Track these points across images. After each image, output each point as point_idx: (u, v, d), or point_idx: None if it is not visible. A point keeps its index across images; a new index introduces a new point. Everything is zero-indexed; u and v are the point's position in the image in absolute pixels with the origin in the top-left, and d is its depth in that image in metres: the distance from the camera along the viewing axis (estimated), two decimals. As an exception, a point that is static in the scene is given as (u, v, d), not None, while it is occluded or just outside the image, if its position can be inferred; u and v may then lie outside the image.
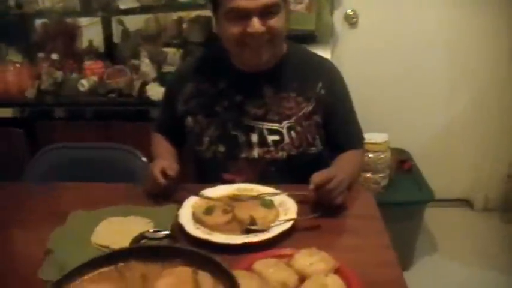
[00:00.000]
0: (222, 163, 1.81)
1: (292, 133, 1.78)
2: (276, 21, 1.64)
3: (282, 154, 1.77)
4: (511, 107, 3.40)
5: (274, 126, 1.78)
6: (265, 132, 1.78)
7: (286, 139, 1.77)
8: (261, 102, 1.78)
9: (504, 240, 3.20)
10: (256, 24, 1.61)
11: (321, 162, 1.80)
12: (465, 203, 3.68)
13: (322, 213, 1.48)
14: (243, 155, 1.79)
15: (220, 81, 1.82)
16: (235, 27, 1.64)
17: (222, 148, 1.80)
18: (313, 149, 1.81)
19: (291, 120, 1.78)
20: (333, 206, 1.53)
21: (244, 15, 1.62)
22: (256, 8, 1.60)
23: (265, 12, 1.62)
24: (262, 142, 1.78)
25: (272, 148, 1.77)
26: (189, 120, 1.84)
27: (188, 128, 1.85)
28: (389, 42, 3.34)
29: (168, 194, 1.64)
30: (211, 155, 1.81)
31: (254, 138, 1.78)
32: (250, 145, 1.78)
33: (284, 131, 1.77)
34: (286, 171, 1.79)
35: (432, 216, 3.23)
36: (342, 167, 1.68)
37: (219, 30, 1.74)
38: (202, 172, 1.92)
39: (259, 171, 1.79)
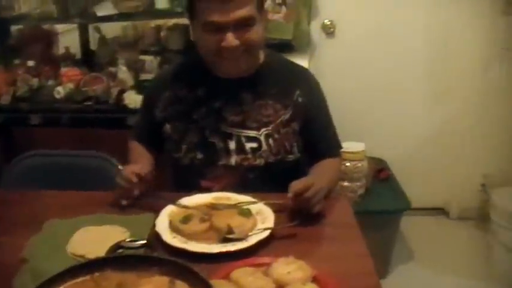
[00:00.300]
0: (199, 170, 1.81)
1: (270, 140, 1.78)
2: (251, 34, 1.66)
3: (259, 161, 1.78)
4: (486, 118, 3.45)
5: (252, 133, 1.78)
6: (243, 139, 1.78)
7: (264, 146, 1.78)
8: (239, 109, 1.79)
9: (479, 249, 3.23)
10: (230, 38, 1.63)
11: (298, 169, 1.82)
12: (441, 211, 3.72)
13: (300, 221, 1.48)
14: (221, 162, 1.79)
15: (198, 87, 1.82)
16: (211, 40, 1.66)
17: (199, 155, 1.80)
18: (290, 157, 1.82)
19: (268, 128, 1.78)
20: (311, 214, 1.53)
21: (219, 28, 1.63)
22: (231, 22, 1.62)
23: (240, 25, 1.63)
24: (240, 149, 1.78)
25: (250, 155, 1.78)
26: (167, 127, 1.84)
27: (166, 135, 1.84)
28: (367, 52, 3.37)
29: (140, 200, 1.63)
30: (188, 162, 1.81)
31: (232, 145, 1.78)
32: (228, 152, 1.78)
33: (262, 138, 1.78)
34: (265, 179, 1.79)
35: (408, 224, 3.25)
36: (320, 175, 1.69)
37: (196, 39, 1.74)
38: (179, 179, 1.91)
39: (237, 179, 1.79)
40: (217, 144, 1.79)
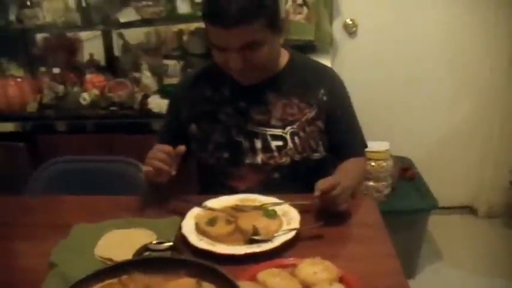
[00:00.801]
0: (225, 170, 1.82)
1: (296, 138, 1.78)
2: (257, 55, 1.65)
3: (285, 160, 1.78)
4: (512, 114, 3.40)
5: (278, 131, 1.79)
6: (269, 138, 1.79)
7: (290, 144, 1.78)
8: (264, 109, 1.80)
9: (508, 247, 3.19)
10: (233, 62, 1.64)
11: (323, 168, 1.81)
12: (469, 210, 3.68)
13: (326, 222, 1.47)
14: (247, 161, 1.79)
15: (224, 89, 1.84)
16: (219, 56, 1.68)
17: (226, 154, 1.81)
18: (316, 155, 1.82)
19: (294, 126, 1.79)
20: (337, 214, 1.53)
21: (225, 48, 1.64)
22: (235, 47, 1.61)
23: (245, 48, 1.63)
24: (266, 148, 1.78)
25: (276, 154, 1.78)
26: (193, 127, 1.85)
27: (192, 135, 1.86)
28: (389, 50, 3.35)
29: (166, 203, 1.64)
30: (215, 162, 1.82)
31: (258, 144, 1.79)
32: (254, 151, 1.79)
33: (287, 136, 1.78)
34: (290, 178, 1.79)
35: (435, 223, 3.22)
36: (346, 174, 1.69)
37: (210, 48, 1.75)
38: (205, 180, 1.92)
39: (262, 178, 1.79)
40: (243, 143, 1.79)
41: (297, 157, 1.79)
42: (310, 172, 1.78)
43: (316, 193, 1.48)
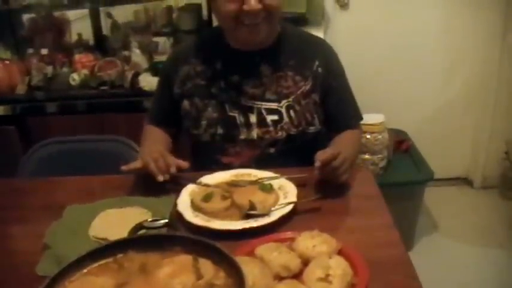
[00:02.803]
0: (220, 146, 1.79)
1: (291, 112, 1.76)
2: (272, 1, 1.63)
3: (281, 134, 1.76)
4: (507, 84, 3.38)
5: (273, 105, 1.76)
6: (264, 112, 1.76)
7: (285, 118, 1.76)
8: (258, 82, 1.77)
9: (504, 217, 3.21)
10: (252, 2, 1.60)
11: (319, 142, 1.78)
12: (464, 181, 3.68)
13: (323, 195, 1.46)
14: (242, 136, 1.77)
15: (216, 62, 1.80)
16: (232, 4, 1.63)
17: (220, 130, 1.78)
18: (312, 128, 1.79)
19: (289, 99, 1.76)
20: (334, 186, 1.52)
21: None
22: None
23: None
24: (262, 122, 1.76)
25: (271, 128, 1.76)
26: (186, 103, 1.82)
27: (184, 112, 1.82)
28: (382, 23, 3.31)
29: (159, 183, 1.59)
30: (209, 138, 1.79)
31: (253, 118, 1.76)
32: (249, 126, 1.76)
33: (283, 110, 1.76)
34: (285, 153, 1.77)
35: (432, 195, 3.22)
36: (344, 145, 1.67)
37: (215, 7, 1.71)
38: (199, 157, 1.89)
39: (258, 153, 1.77)
40: (237, 118, 1.77)
41: (293, 131, 1.76)
42: (306, 146, 1.77)
43: (317, 164, 1.45)
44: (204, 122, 1.79)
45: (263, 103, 1.76)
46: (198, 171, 1.80)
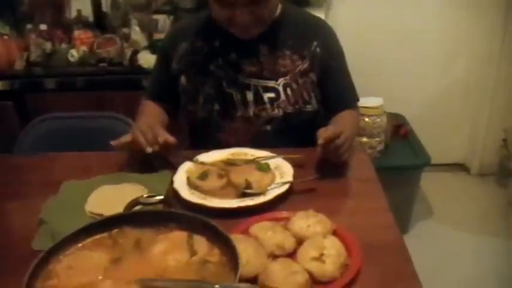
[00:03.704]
0: (216, 122, 1.79)
1: (288, 90, 1.76)
2: (263, 10, 1.64)
3: (278, 112, 1.76)
4: (507, 72, 3.37)
5: (270, 83, 1.76)
6: (261, 89, 1.76)
7: (282, 96, 1.75)
8: (255, 60, 1.76)
9: (500, 205, 3.22)
10: (240, 17, 1.61)
11: (316, 122, 1.79)
12: (461, 167, 3.69)
13: (319, 176, 1.46)
14: (239, 113, 1.77)
15: (214, 39, 1.80)
16: (223, 12, 1.64)
17: (216, 107, 1.78)
18: (308, 107, 1.79)
19: (286, 78, 1.76)
20: (331, 167, 1.52)
21: (230, 3, 1.60)
22: (243, 1, 1.59)
23: (254, 2, 1.60)
24: (258, 100, 1.76)
25: (268, 106, 1.75)
26: (183, 79, 1.82)
27: (182, 88, 1.82)
28: (383, 6, 3.29)
29: (157, 160, 1.60)
30: (205, 114, 1.79)
31: (250, 96, 1.76)
32: (245, 103, 1.76)
33: (280, 88, 1.76)
34: (282, 131, 1.77)
35: (428, 181, 3.22)
36: (345, 123, 1.67)
37: (209, 3, 1.71)
38: (196, 133, 1.90)
39: (254, 131, 1.77)
40: (234, 95, 1.77)
41: (290, 109, 1.76)
42: (302, 125, 1.78)
43: (320, 141, 1.44)
44: (201, 98, 1.79)
45: (260, 81, 1.76)
46: (195, 148, 1.81)
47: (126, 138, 1.59)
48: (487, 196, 3.38)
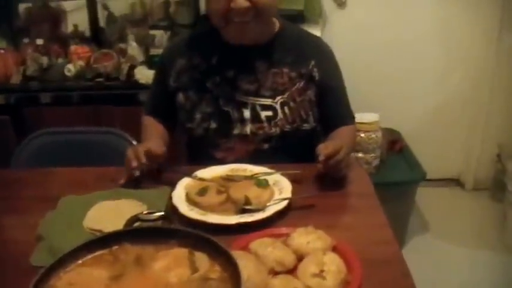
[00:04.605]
0: (213, 140, 1.79)
1: (286, 109, 1.76)
2: None
3: (275, 130, 1.75)
4: (501, 87, 3.39)
5: (267, 101, 1.76)
6: (258, 107, 1.76)
7: (280, 115, 1.76)
8: (253, 78, 1.76)
9: (494, 219, 3.21)
10: (239, 0, 1.60)
11: (313, 140, 1.80)
12: (456, 182, 3.69)
13: (318, 192, 1.47)
14: (236, 131, 1.76)
15: (212, 56, 1.80)
16: (220, 3, 1.63)
17: (213, 125, 1.77)
18: (306, 126, 1.79)
19: (284, 96, 1.76)
20: (329, 183, 1.53)
21: None
22: None
23: None
24: (255, 118, 1.76)
25: (265, 124, 1.75)
26: (180, 96, 1.81)
27: (179, 105, 1.82)
28: (378, 22, 3.32)
29: (153, 176, 1.60)
30: (202, 132, 1.79)
31: (247, 113, 1.76)
32: (243, 121, 1.76)
33: (277, 106, 1.76)
34: (279, 149, 1.77)
35: (423, 196, 3.22)
36: (343, 140, 1.67)
37: (207, 4, 1.72)
38: (193, 151, 1.90)
39: (251, 149, 1.77)
40: (231, 113, 1.77)
41: (287, 127, 1.76)
42: (300, 143, 1.78)
43: (321, 158, 1.46)
44: (198, 116, 1.78)
45: (258, 99, 1.76)
46: (193, 165, 1.80)
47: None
48: (482, 211, 3.38)
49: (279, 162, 1.66)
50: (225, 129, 1.77)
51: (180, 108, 1.82)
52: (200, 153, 1.83)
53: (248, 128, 1.76)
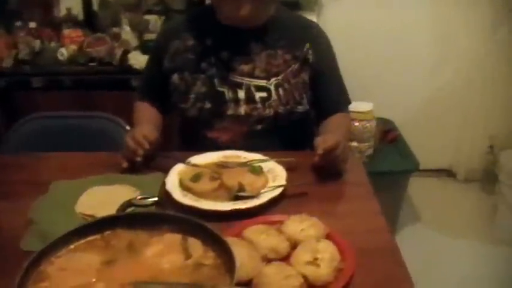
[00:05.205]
0: (207, 121, 1.79)
1: (280, 90, 1.76)
2: None
3: (269, 111, 1.75)
4: (494, 79, 3.39)
5: (262, 82, 1.76)
6: (253, 88, 1.76)
7: (274, 96, 1.75)
8: (248, 59, 1.77)
9: (485, 211, 3.23)
10: None
11: (306, 123, 1.82)
12: (448, 173, 3.70)
13: (312, 179, 1.46)
14: (230, 112, 1.76)
15: (207, 37, 1.80)
16: None
17: (208, 105, 1.77)
18: (300, 108, 1.79)
19: (278, 78, 1.76)
20: (324, 171, 1.52)
21: None
22: None
23: None
24: (250, 99, 1.76)
25: (259, 105, 1.75)
26: (175, 77, 1.81)
27: (173, 86, 1.81)
28: (373, 12, 3.30)
29: (146, 162, 1.59)
30: (196, 113, 1.78)
31: (241, 94, 1.76)
32: (237, 102, 1.76)
33: (272, 87, 1.76)
34: (273, 130, 1.77)
35: (415, 186, 3.23)
36: (340, 131, 1.67)
37: None
38: (186, 132, 1.90)
39: (245, 130, 1.77)
40: (226, 93, 1.76)
41: (281, 109, 1.76)
42: (293, 126, 1.79)
43: (319, 151, 1.46)
44: (192, 96, 1.78)
45: (252, 80, 1.76)
46: (185, 146, 1.84)
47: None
48: (473, 202, 3.40)
49: (271, 145, 1.69)
50: (219, 110, 1.77)
51: (174, 90, 1.82)
52: (193, 134, 1.83)
53: (242, 109, 1.76)
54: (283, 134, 1.78)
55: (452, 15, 3.32)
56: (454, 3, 3.29)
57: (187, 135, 1.89)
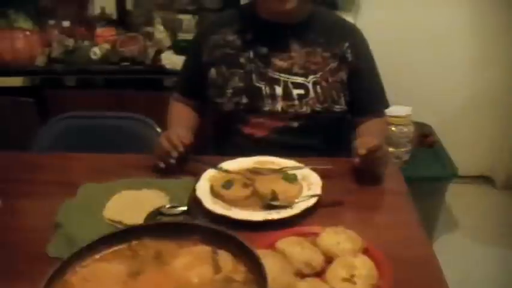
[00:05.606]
0: (242, 116, 1.78)
1: (318, 88, 1.74)
2: None
3: (306, 109, 1.74)
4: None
5: (300, 79, 1.75)
6: (290, 85, 1.75)
7: (312, 94, 1.74)
8: (286, 55, 1.76)
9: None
10: None
11: (343, 123, 1.81)
12: (486, 180, 3.61)
13: (348, 188, 1.42)
14: (266, 107, 1.75)
15: (246, 33, 1.80)
16: None
17: (244, 100, 1.76)
18: (337, 107, 1.78)
19: (316, 75, 1.75)
20: (360, 180, 1.48)
21: None
22: None
23: None
24: (287, 95, 1.74)
25: (296, 102, 1.74)
26: (213, 71, 1.81)
27: (211, 80, 1.82)
28: (412, 15, 3.25)
29: (179, 165, 1.56)
30: (232, 107, 1.77)
31: (279, 90, 1.75)
32: (274, 98, 1.75)
33: (310, 85, 1.75)
34: (308, 128, 1.76)
35: (453, 192, 3.14)
36: (377, 136, 1.62)
37: None
38: (221, 127, 1.88)
39: (280, 126, 1.76)
40: (263, 89, 1.75)
41: (318, 107, 1.75)
42: (329, 126, 1.79)
43: (362, 151, 1.42)
44: (229, 91, 1.78)
45: (290, 76, 1.75)
46: (218, 141, 1.84)
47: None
48: (512, 210, 3.31)
49: (305, 143, 1.71)
50: (256, 105, 1.76)
51: (211, 84, 1.82)
52: (228, 129, 1.82)
53: (279, 105, 1.75)
54: (318, 133, 1.77)
55: (494, 19, 3.25)
56: (497, 7, 3.20)
57: (221, 131, 1.87)
